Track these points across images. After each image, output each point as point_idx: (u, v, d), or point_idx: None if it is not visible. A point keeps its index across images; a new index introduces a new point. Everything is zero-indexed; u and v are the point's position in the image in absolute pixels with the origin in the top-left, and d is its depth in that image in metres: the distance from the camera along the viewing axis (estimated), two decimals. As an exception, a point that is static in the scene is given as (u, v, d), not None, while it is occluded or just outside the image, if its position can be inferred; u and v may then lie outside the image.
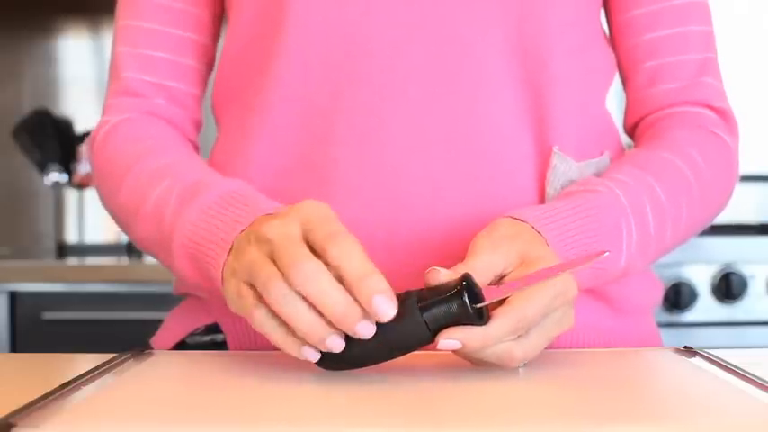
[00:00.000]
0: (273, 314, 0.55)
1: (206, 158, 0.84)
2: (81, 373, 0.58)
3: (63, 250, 2.16)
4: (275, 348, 0.57)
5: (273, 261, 0.56)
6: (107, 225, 2.13)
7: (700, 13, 0.81)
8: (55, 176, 2.12)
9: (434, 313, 0.55)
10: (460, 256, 0.61)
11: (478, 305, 0.55)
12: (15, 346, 1.75)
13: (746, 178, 1.70)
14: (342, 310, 0.53)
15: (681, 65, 0.81)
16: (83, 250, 2.18)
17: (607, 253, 0.59)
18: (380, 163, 0.72)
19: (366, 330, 0.54)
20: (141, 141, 0.79)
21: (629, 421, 0.47)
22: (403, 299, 0.55)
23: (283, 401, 0.52)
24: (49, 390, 0.52)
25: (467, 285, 0.55)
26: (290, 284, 0.54)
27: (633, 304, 0.80)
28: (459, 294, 0.55)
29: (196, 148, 0.85)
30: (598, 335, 0.77)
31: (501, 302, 0.57)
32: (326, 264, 0.54)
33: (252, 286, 0.57)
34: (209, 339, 0.78)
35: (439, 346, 0.55)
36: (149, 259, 1.96)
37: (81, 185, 2.11)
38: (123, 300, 1.74)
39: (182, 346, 0.79)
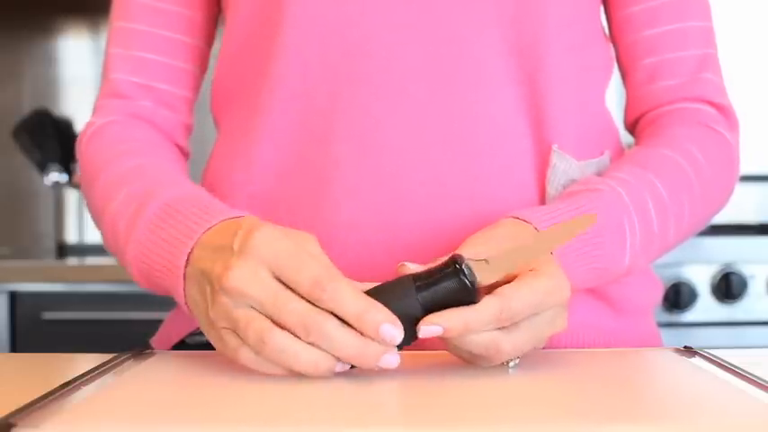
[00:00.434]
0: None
1: (206, 159, 0.84)
2: (81, 373, 0.58)
3: (63, 250, 2.16)
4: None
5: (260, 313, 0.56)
6: (107, 225, 2.13)
7: (699, 8, 0.81)
8: (55, 176, 2.12)
9: (430, 291, 0.55)
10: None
11: (468, 261, 0.55)
12: (15, 346, 1.75)
13: (746, 178, 1.70)
14: (359, 351, 0.54)
15: (680, 61, 0.81)
16: (83, 250, 2.18)
17: (594, 216, 0.60)
18: (380, 162, 0.72)
19: (392, 360, 0.55)
20: (116, 145, 0.79)
21: (629, 421, 0.47)
22: (398, 281, 0.57)
23: (284, 401, 0.52)
24: (49, 390, 0.52)
25: (458, 263, 0.55)
26: (301, 338, 0.54)
27: (633, 304, 0.80)
28: (454, 270, 0.55)
29: (183, 152, 0.85)
30: (598, 335, 0.77)
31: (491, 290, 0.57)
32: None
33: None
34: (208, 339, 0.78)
35: (420, 335, 0.55)
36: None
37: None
38: (123, 300, 1.74)
39: (181, 345, 0.79)
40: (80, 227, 2.19)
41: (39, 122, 2.12)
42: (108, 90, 0.83)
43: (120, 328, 1.72)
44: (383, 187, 0.72)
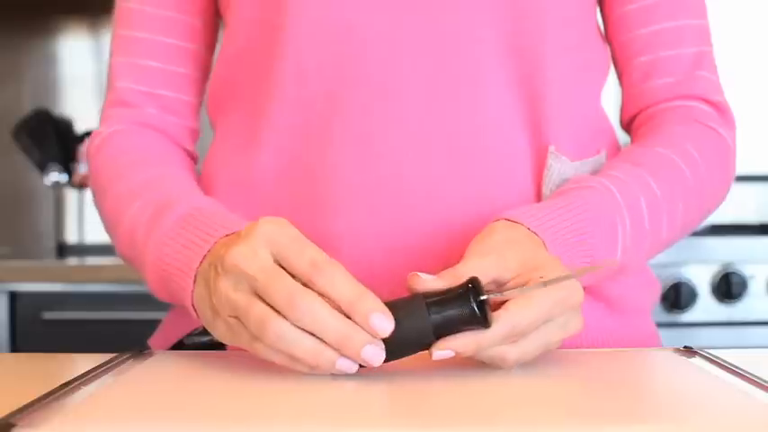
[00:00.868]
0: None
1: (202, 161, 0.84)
2: (81, 373, 0.58)
3: (63, 250, 2.16)
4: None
5: (258, 296, 0.56)
6: (107, 225, 2.13)
7: (694, 6, 0.81)
8: (55, 176, 2.11)
9: (441, 316, 0.55)
10: (460, 256, 0.61)
11: (482, 297, 0.55)
12: (15, 346, 1.75)
13: (747, 178, 1.70)
14: (343, 334, 0.54)
15: (675, 59, 0.80)
16: (83, 250, 2.17)
17: (616, 260, 0.59)
18: (379, 165, 0.72)
19: (375, 354, 0.54)
20: (126, 155, 0.80)
21: (629, 421, 0.47)
22: (410, 300, 0.56)
23: (284, 402, 0.52)
24: (49, 390, 0.52)
25: (473, 288, 0.55)
26: (289, 321, 0.54)
27: (631, 304, 0.80)
28: (466, 297, 0.55)
29: (192, 157, 0.86)
30: (596, 334, 0.77)
31: (500, 305, 0.57)
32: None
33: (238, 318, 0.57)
34: (207, 339, 0.78)
35: (434, 358, 0.56)
36: (149, 259, 1.95)
37: (81, 185, 2.10)
38: (123, 300, 1.74)
39: (179, 346, 0.79)
40: (80, 227, 2.19)
41: (39, 122, 2.12)
42: (113, 99, 0.84)
43: (120, 328, 1.72)
44: (382, 190, 0.72)
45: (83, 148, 2.10)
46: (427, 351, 0.56)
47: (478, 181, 0.73)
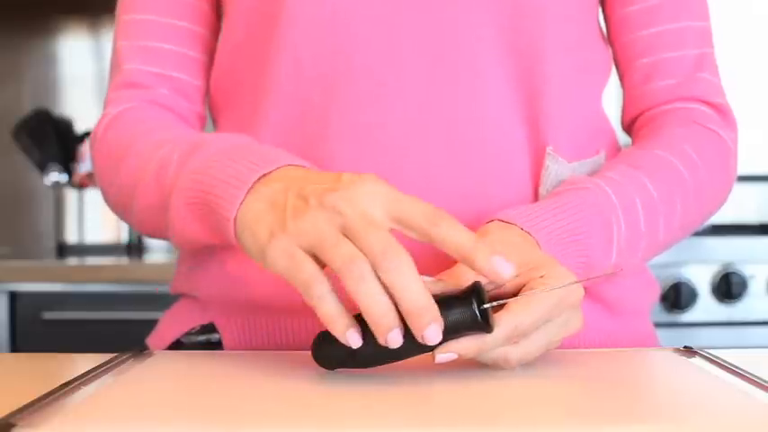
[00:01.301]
0: (332, 290, 0.54)
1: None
2: (81, 373, 0.58)
3: (63, 250, 2.16)
4: (272, 348, 0.57)
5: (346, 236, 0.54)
6: (107, 225, 2.13)
7: (696, 8, 0.81)
8: (55, 176, 2.11)
9: (444, 321, 0.55)
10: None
11: (485, 305, 0.55)
12: (15, 346, 1.75)
13: (747, 178, 1.70)
14: (421, 305, 0.52)
15: (677, 61, 0.80)
16: (83, 250, 2.17)
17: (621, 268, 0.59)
18: (376, 161, 0.72)
19: (435, 336, 0.53)
20: (142, 123, 0.77)
21: (629, 421, 0.47)
22: None
23: (284, 402, 0.52)
24: (49, 390, 0.52)
25: (476, 293, 0.55)
26: (378, 270, 0.52)
27: (630, 304, 0.80)
28: (469, 303, 0.55)
29: None
30: (594, 335, 0.77)
31: (502, 306, 0.57)
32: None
33: (311, 253, 0.54)
34: (204, 339, 0.78)
35: (436, 360, 0.55)
36: (149, 259, 1.96)
37: (81, 185, 2.10)
38: (123, 300, 1.74)
39: (176, 345, 0.79)
40: (80, 227, 2.19)
41: (39, 122, 2.12)
42: (121, 81, 0.82)
43: (120, 328, 1.72)
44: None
45: (83, 148, 2.10)
46: (429, 353, 0.56)
47: (476, 174, 0.73)
